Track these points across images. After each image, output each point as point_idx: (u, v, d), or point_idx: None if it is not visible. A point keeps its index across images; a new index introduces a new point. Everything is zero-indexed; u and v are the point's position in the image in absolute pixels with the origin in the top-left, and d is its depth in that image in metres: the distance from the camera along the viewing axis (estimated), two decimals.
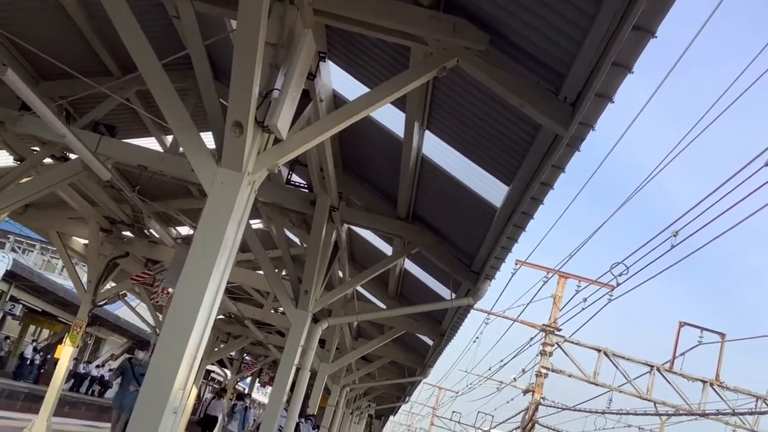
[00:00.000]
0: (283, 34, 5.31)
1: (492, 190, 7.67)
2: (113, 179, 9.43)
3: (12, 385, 24.80)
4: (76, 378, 31.01)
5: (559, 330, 25.10)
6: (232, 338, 23.83)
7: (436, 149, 7.87)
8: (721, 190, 11.20)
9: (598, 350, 23.94)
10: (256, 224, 14.62)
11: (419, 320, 14.47)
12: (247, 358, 29.45)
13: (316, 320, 11.52)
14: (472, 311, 12.63)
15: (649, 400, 23.02)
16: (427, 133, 7.60)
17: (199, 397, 29.82)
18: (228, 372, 29.46)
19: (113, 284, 15.85)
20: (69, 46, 8.89)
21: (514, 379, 27.81)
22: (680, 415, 22.69)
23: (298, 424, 12.66)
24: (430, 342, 16.64)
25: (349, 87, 7.69)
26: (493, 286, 10.28)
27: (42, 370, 29.30)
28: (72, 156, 9.90)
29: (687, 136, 11.59)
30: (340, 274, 13.94)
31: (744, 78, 10.02)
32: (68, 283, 25.91)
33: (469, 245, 9.75)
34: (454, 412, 53.43)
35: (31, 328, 33.93)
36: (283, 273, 13.81)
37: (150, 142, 10.95)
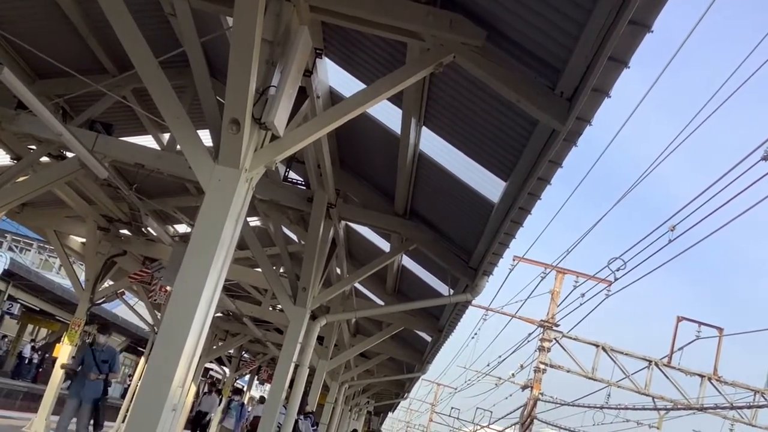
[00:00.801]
0: (280, 31, 5.31)
1: (489, 185, 7.67)
2: (110, 177, 9.43)
3: (11, 384, 24.79)
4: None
5: (557, 325, 25.12)
6: (230, 336, 23.83)
7: (433, 145, 7.88)
8: (719, 184, 11.22)
9: (596, 345, 23.96)
10: (254, 221, 14.61)
11: (417, 317, 14.49)
12: (245, 355, 29.45)
13: (314, 317, 11.53)
14: (470, 307, 12.64)
15: (647, 395, 23.05)
16: (424, 129, 7.60)
17: (197, 395, 29.75)
18: (227, 370, 29.45)
19: (111, 283, 15.86)
20: (65, 44, 8.88)
21: (513, 374, 27.86)
22: (678, 409, 22.73)
23: (297, 421, 12.64)
24: (428, 338, 16.66)
25: (346, 84, 7.68)
26: (490, 282, 10.31)
27: (40, 369, 29.29)
28: (69, 154, 9.90)
29: (684, 130, 11.61)
30: (338, 271, 13.95)
31: (742, 71, 10.03)
32: (66, 282, 25.90)
33: (466, 241, 9.76)
34: (452, 408, 53.37)
35: (30, 327, 33.92)
36: (281, 270, 13.79)
37: (147, 140, 10.94)
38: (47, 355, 29.37)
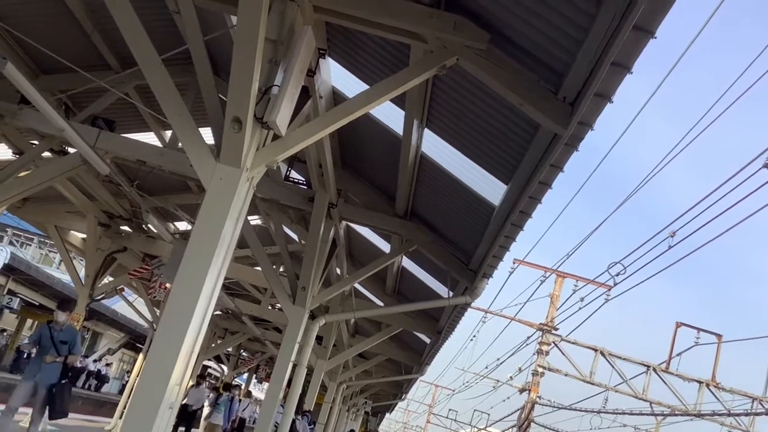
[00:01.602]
0: (283, 30, 5.31)
1: (490, 188, 7.67)
2: (112, 174, 9.43)
3: (9, 379, 24.78)
4: (72, 372, 31.01)
5: (556, 329, 25.11)
6: (229, 334, 23.84)
7: (435, 147, 7.88)
8: (720, 190, 11.22)
9: (595, 350, 23.95)
10: (255, 220, 14.62)
11: (416, 318, 14.48)
12: (244, 354, 29.46)
13: (313, 317, 11.53)
14: (469, 309, 12.64)
15: (645, 400, 23.03)
16: (427, 131, 7.60)
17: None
18: (225, 368, 29.45)
19: (111, 279, 15.87)
20: (69, 40, 8.89)
21: (511, 377, 27.83)
22: (676, 415, 22.71)
23: (294, 421, 12.65)
24: (427, 340, 16.66)
25: (349, 84, 7.68)
26: (490, 284, 10.31)
27: None
28: (71, 150, 9.91)
29: (686, 136, 11.61)
30: (338, 271, 13.95)
31: (745, 78, 10.03)
32: (66, 277, 25.90)
33: (467, 243, 9.76)
34: (450, 410, 53.36)
35: (29, 321, 33.91)
36: (281, 269, 13.80)
37: (149, 137, 10.95)
38: None
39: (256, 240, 11.00)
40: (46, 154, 10.38)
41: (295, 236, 14.74)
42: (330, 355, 16.09)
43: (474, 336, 30.26)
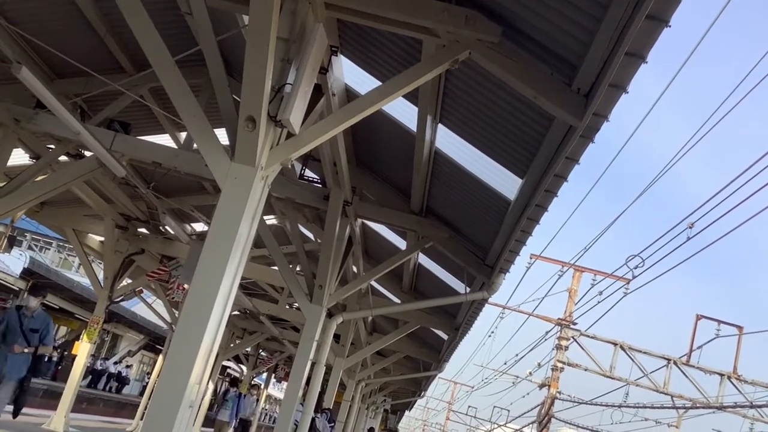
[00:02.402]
0: (295, 28, 5.32)
1: (505, 182, 7.64)
2: (128, 176, 9.49)
3: (30, 382, 25.02)
4: (93, 374, 31.27)
5: (575, 324, 25.01)
6: (247, 334, 23.94)
7: (449, 142, 7.86)
8: (738, 181, 11.11)
9: (615, 344, 23.82)
10: (270, 220, 14.66)
11: (434, 315, 14.47)
12: (262, 353, 29.57)
13: (330, 315, 11.55)
14: (486, 305, 12.62)
15: (666, 394, 22.88)
16: (440, 126, 7.58)
17: (215, 393, 29.85)
18: (244, 368, 29.58)
19: (129, 281, 15.97)
20: (83, 44, 8.94)
21: (530, 373, 27.74)
22: (697, 408, 22.55)
23: (313, 419, 12.67)
24: (444, 336, 16.64)
25: (362, 81, 7.68)
26: (507, 280, 10.28)
27: (60, 367, 29.56)
28: (87, 153, 9.98)
29: (703, 126, 11.50)
30: (354, 268, 13.96)
31: (762, 66, 9.92)
32: (85, 280, 26.09)
33: (483, 239, 9.73)
34: (469, 406, 53.32)
35: None
36: (298, 268, 13.84)
37: (164, 139, 11.00)
38: (66, 353, 29.64)
39: (272, 239, 11.02)
40: (63, 157, 10.46)
41: (311, 235, 14.77)
42: (348, 353, 16.10)
43: (492, 332, 30.21)
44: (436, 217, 10.13)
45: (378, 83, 7.21)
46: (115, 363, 35.01)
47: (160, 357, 25.28)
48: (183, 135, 10.76)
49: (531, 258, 24.04)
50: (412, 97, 6.92)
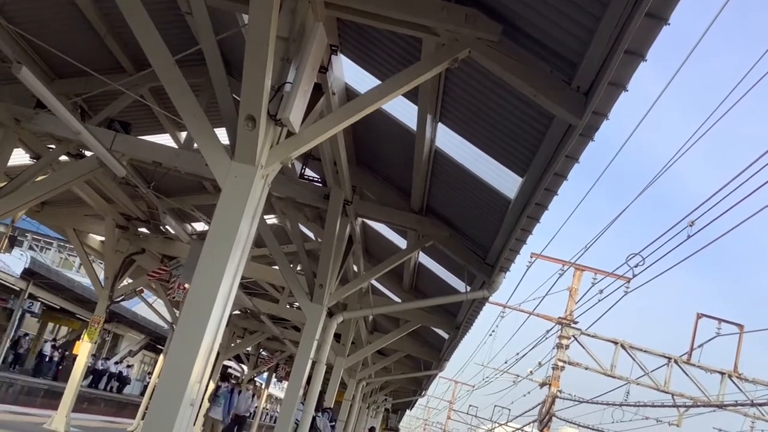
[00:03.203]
0: (295, 27, 5.32)
1: (505, 181, 7.64)
2: (128, 176, 9.50)
3: (31, 382, 25.06)
4: (94, 374, 31.30)
5: (576, 323, 25.01)
6: (248, 334, 23.95)
7: (449, 141, 7.86)
8: (739, 178, 11.11)
9: (615, 343, 23.83)
10: (271, 219, 14.66)
11: (434, 314, 14.48)
12: (263, 353, 29.58)
13: (331, 314, 11.55)
14: (487, 304, 12.62)
15: (666, 392, 22.88)
16: (440, 125, 7.58)
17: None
18: (245, 367, 29.59)
19: (130, 281, 15.97)
20: (83, 44, 8.95)
21: (531, 372, 27.75)
22: (698, 406, 22.55)
23: (314, 418, 12.67)
24: (445, 335, 16.64)
25: (361, 80, 7.69)
26: (508, 279, 10.28)
27: (60, 367, 29.58)
28: (87, 153, 9.98)
29: (704, 124, 11.50)
30: (355, 268, 13.96)
31: (763, 63, 9.91)
32: (86, 280, 26.11)
33: (483, 237, 9.73)
34: (470, 405, 53.38)
35: (50, 325, 34.22)
36: (298, 268, 13.84)
37: (164, 139, 11.01)
38: (67, 353, 29.66)
39: (272, 239, 11.03)
40: (63, 157, 10.46)
41: (311, 234, 14.77)
42: (349, 353, 16.10)
43: (493, 331, 30.22)
44: (437, 216, 10.13)
45: (378, 82, 7.22)
46: (116, 363, 35.04)
47: (161, 357, 25.28)
48: (183, 134, 10.77)
49: (531, 257, 24.05)
50: (412, 96, 6.93)
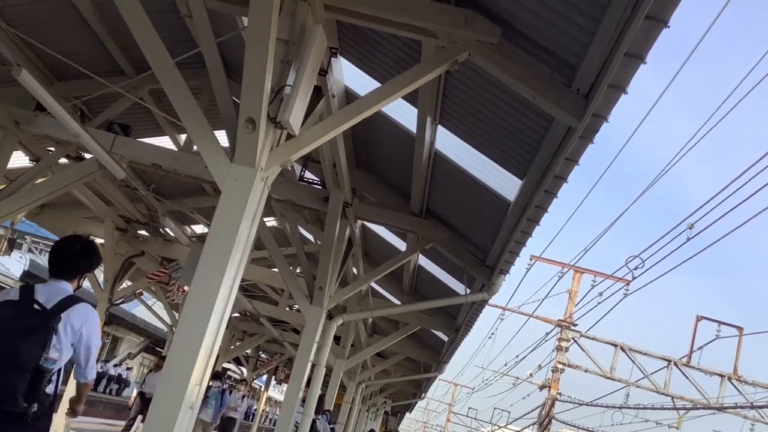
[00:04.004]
0: (295, 30, 5.32)
1: (505, 184, 7.65)
2: (128, 178, 9.49)
3: None
4: None
5: (575, 325, 25.03)
6: (247, 336, 23.92)
7: (449, 144, 7.86)
8: (738, 181, 11.12)
9: (615, 345, 23.84)
10: (271, 222, 14.66)
11: (434, 316, 14.47)
12: (262, 355, 29.56)
13: (330, 316, 11.54)
14: (487, 307, 12.61)
15: (666, 395, 22.90)
16: (440, 127, 7.59)
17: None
18: (244, 370, 29.57)
19: (129, 283, 15.95)
20: (83, 47, 8.95)
21: (530, 374, 27.77)
22: (698, 409, 22.55)
23: (314, 421, 12.65)
24: (445, 338, 16.63)
25: (361, 83, 7.69)
26: (507, 281, 10.30)
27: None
28: (87, 156, 9.97)
29: (704, 126, 11.51)
30: (355, 270, 13.96)
31: (763, 65, 9.93)
32: (85, 283, 26.10)
33: (482, 240, 9.74)
34: (470, 408, 53.32)
35: None
36: (298, 270, 13.84)
37: (164, 141, 11.00)
38: None
39: (272, 241, 11.02)
40: (63, 160, 10.45)
41: (311, 237, 14.77)
42: (348, 355, 16.10)
43: (492, 334, 30.22)
44: (436, 219, 10.13)
45: (377, 84, 7.22)
46: (116, 365, 35.01)
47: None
48: (183, 137, 10.77)
49: (531, 259, 24.10)
50: (411, 98, 6.93)
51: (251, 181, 5.19)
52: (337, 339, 14.85)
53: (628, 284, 20.06)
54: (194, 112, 5.47)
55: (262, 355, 29.45)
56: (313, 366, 10.72)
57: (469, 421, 53.49)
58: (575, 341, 24.74)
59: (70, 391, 14.02)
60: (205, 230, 14.49)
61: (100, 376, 32.33)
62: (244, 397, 22.22)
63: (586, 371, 24.19)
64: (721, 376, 22.40)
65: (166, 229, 13.67)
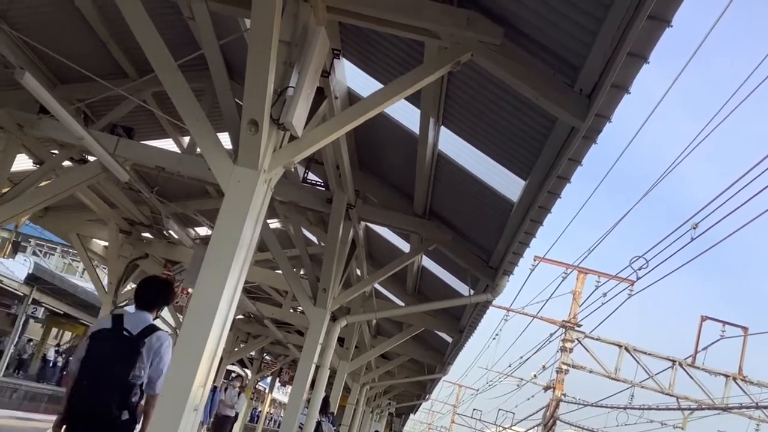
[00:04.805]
0: (297, 31, 5.33)
1: (508, 184, 7.64)
2: (132, 181, 9.51)
3: (35, 387, 25.09)
4: None
5: (579, 326, 24.98)
6: (251, 338, 23.92)
7: (452, 145, 7.86)
8: (742, 180, 11.09)
9: (619, 346, 23.80)
10: (274, 224, 14.66)
11: (438, 317, 14.45)
12: (267, 357, 29.56)
13: (334, 318, 11.54)
14: (491, 308, 12.59)
15: (671, 395, 22.85)
16: (443, 128, 7.58)
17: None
18: (248, 372, 29.58)
19: (134, 285, 15.96)
20: (86, 49, 8.97)
21: (535, 375, 27.72)
22: (703, 409, 22.50)
23: (319, 423, 12.64)
24: (449, 339, 16.62)
25: (364, 84, 7.69)
26: (511, 282, 10.26)
27: (64, 372, 29.59)
28: (90, 158, 9.99)
29: (708, 125, 11.49)
30: (358, 272, 13.96)
31: (765, 65, 9.90)
32: (89, 286, 26.13)
33: (486, 241, 9.73)
34: (474, 409, 53.20)
35: (54, 330, 34.27)
36: (302, 272, 13.84)
37: (167, 144, 11.02)
38: (71, 358, 29.69)
39: (276, 243, 11.03)
40: (66, 163, 10.47)
41: (314, 238, 14.77)
42: (352, 357, 16.09)
43: (496, 335, 30.19)
44: (440, 220, 10.13)
45: (380, 86, 7.22)
46: None
47: None
48: (186, 139, 10.79)
49: (535, 260, 24.08)
50: (414, 99, 6.93)
51: (254, 183, 5.19)
52: (341, 341, 14.85)
53: (632, 285, 20.02)
54: (197, 115, 5.48)
55: (267, 357, 29.47)
56: (317, 368, 10.72)
57: (474, 423, 53.43)
58: (579, 342, 24.70)
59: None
60: (209, 232, 14.51)
61: None
62: (240, 394, 22.08)
63: (590, 372, 24.15)
64: (726, 376, 22.34)
65: (170, 232, 13.68)
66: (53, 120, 8.54)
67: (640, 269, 16.36)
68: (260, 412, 40.96)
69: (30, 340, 31.24)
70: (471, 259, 10.19)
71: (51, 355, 30.08)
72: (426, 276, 13.77)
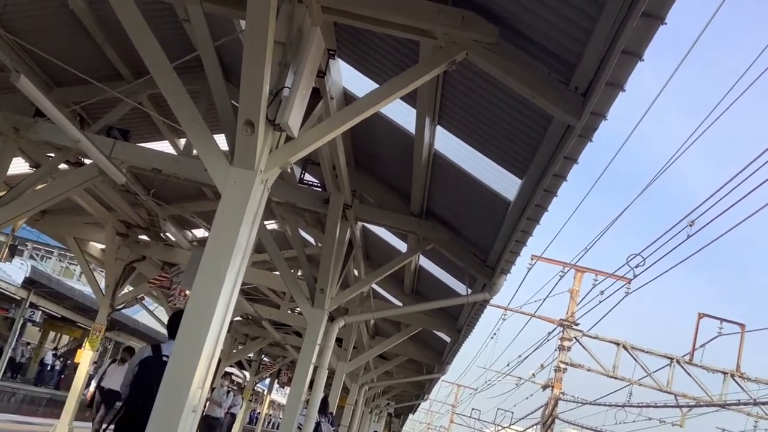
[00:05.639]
0: (292, 32, 5.33)
1: (505, 183, 7.65)
2: (128, 183, 9.51)
3: (33, 391, 25.04)
4: None
5: (577, 324, 25.00)
6: (249, 340, 23.91)
7: (448, 144, 7.87)
8: (738, 177, 11.12)
9: (617, 344, 23.82)
10: (271, 225, 14.67)
11: (436, 317, 14.46)
12: (265, 359, 29.54)
13: (332, 319, 11.54)
14: (488, 307, 12.60)
15: (669, 393, 22.87)
16: (439, 128, 7.59)
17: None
18: (247, 373, 29.55)
19: (131, 288, 15.96)
20: (81, 52, 8.97)
21: (533, 374, 27.74)
22: (701, 406, 22.53)
23: (318, 423, 12.64)
24: (447, 339, 16.63)
25: (359, 84, 7.70)
26: (509, 281, 10.28)
27: (62, 376, 29.56)
28: (87, 161, 9.99)
29: (703, 122, 11.51)
30: (356, 272, 13.97)
31: (761, 61, 9.93)
32: (87, 289, 26.07)
33: (483, 240, 9.74)
34: (473, 409, 53.27)
35: (51, 334, 34.20)
36: (299, 273, 13.84)
37: (163, 146, 11.02)
38: (69, 362, 29.62)
39: (273, 244, 11.02)
40: (63, 166, 10.46)
41: (311, 239, 14.78)
42: (351, 357, 16.08)
43: (494, 334, 30.22)
44: (437, 219, 10.13)
45: (376, 86, 7.22)
46: None
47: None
48: (182, 141, 10.79)
49: (532, 259, 24.10)
50: (410, 99, 6.94)
51: (251, 184, 5.19)
52: (339, 341, 14.84)
53: (629, 282, 20.07)
54: (193, 116, 5.48)
55: (265, 359, 29.44)
56: (316, 368, 10.71)
57: (473, 422, 53.45)
58: (577, 340, 24.72)
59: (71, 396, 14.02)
60: (206, 234, 14.50)
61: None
62: (229, 392, 21.88)
63: (588, 370, 24.16)
64: (724, 373, 22.38)
65: (167, 234, 13.67)
66: (49, 123, 8.54)
67: (636, 267, 16.40)
68: (259, 413, 40.93)
69: (28, 343, 31.18)
70: (468, 259, 10.20)
71: (48, 358, 30.01)
72: (423, 276, 13.78)
